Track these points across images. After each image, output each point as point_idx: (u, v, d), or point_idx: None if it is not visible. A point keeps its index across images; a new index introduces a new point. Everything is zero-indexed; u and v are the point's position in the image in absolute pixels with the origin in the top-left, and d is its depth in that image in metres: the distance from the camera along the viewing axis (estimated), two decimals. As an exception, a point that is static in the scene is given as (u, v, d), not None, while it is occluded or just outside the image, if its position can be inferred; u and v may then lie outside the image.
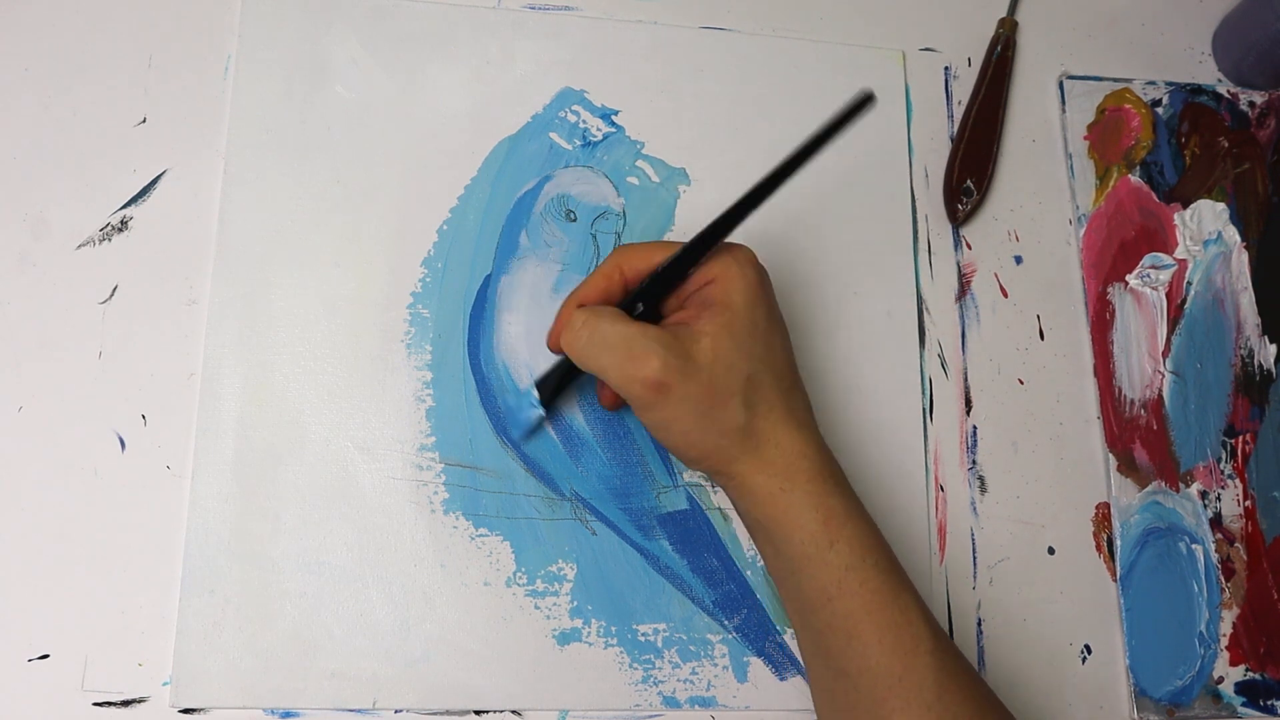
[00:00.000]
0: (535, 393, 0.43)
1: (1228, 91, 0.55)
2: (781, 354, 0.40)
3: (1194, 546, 0.49)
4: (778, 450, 0.38)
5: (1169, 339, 0.51)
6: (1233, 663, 0.47)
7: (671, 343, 0.38)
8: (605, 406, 0.45)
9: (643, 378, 0.37)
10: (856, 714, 0.38)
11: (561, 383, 0.42)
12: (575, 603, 0.44)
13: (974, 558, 0.47)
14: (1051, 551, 0.48)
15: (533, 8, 0.51)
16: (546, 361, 0.46)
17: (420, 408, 0.45)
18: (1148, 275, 0.52)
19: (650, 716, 0.44)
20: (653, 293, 0.40)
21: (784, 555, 0.39)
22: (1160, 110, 0.54)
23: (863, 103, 0.37)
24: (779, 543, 0.39)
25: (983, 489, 0.48)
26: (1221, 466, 0.50)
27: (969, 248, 0.51)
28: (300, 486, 0.44)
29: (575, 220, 0.48)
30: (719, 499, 0.46)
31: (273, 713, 0.42)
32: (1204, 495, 0.49)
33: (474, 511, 0.44)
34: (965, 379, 0.49)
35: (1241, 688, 0.47)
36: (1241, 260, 0.53)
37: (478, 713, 0.43)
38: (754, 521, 0.40)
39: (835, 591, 0.37)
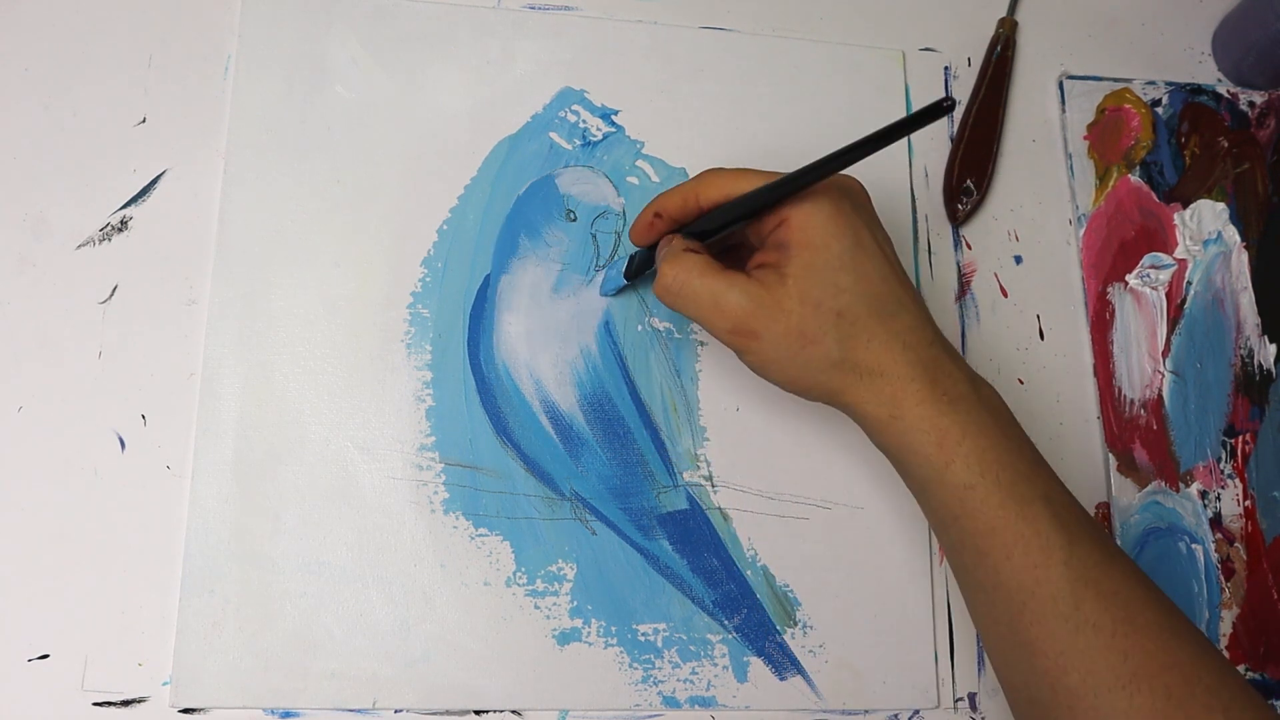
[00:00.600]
0: (621, 269, 0.45)
1: (1228, 91, 0.55)
2: (876, 278, 0.39)
3: (1194, 546, 0.49)
4: (883, 379, 0.38)
5: (1169, 339, 0.51)
6: (1233, 663, 0.47)
7: (755, 290, 0.38)
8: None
9: (731, 327, 0.38)
10: (998, 627, 0.37)
11: (643, 266, 0.45)
12: (575, 603, 0.44)
13: (974, 558, 0.47)
14: (1051, 551, 0.48)
15: (533, 8, 0.51)
16: (547, 361, 0.46)
17: (420, 408, 0.45)
18: (1148, 275, 0.52)
19: (650, 716, 0.44)
20: (723, 225, 0.40)
21: (909, 478, 0.39)
22: (1160, 110, 0.54)
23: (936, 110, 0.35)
24: (902, 466, 0.39)
25: (983, 489, 0.48)
26: (1221, 466, 0.50)
27: (969, 248, 0.51)
28: (300, 486, 0.44)
29: (575, 220, 0.48)
30: (719, 499, 0.46)
31: (273, 713, 0.42)
32: (1204, 495, 0.49)
33: (474, 511, 0.44)
34: (965, 379, 0.49)
35: (1241, 688, 0.47)
36: (1241, 260, 0.53)
37: (478, 713, 0.43)
38: (878, 445, 0.40)
39: (959, 510, 0.37)
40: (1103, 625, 0.35)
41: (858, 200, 0.40)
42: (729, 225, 0.40)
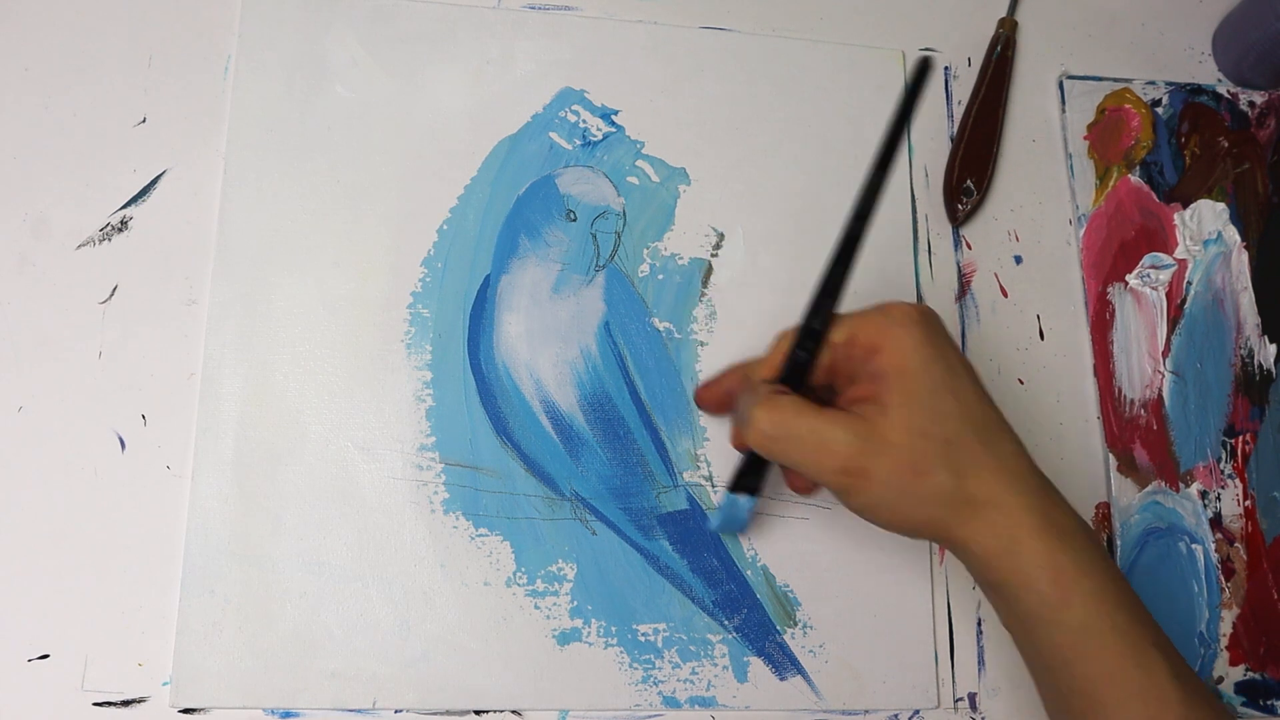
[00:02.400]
0: (738, 496, 0.42)
1: (1228, 91, 0.55)
2: (975, 403, 0.37)
3: (1194, 546, 0.49)
4: (997, 511, 0.36)
5: (1169, 339, 0.51)
6: (1233, 663, 0.47)
7: (858, 425, 0.36)
8: (799, 492, 0.44)
9: (838, 467, 0.36)
10: None
11: (758, 470, 0.42)
12: (575, 603, 0.44)
13: (974, 558, 0.47)
14: (1051, 551, 0.48)
15: (533, 8, 0.51)
16: (547, 361, 0.46)
17: (420, 408, 0.45)
18: (1148, 275, 0.52)
19: (650, 716, 0.44)
20: (806, 338, 0.39)
21: (1017, 615, 0.37)
22: (1160, 110, 0.54)
23: (922, 72, 0.34)
24: (1011, 602, 0.37)
25: (983, 489, 0.48)
26: (1221, 466, 0.50)
27: (969, 248, 0.51)
28: (300, 486, 0.44)
29: (575, 220, 0.48)
30: (719, 499, 0.46)
31: (273, 713, 0.42)
32: (1204, 495, 0.49)
33: (474, 511, 0.44)
34: (965, 379, 0.49)
35: (1241, 688, 0.47)
36: (1241, 260, 0.53)
37: (478, 713, 0.43)
38: (983, 582, 0.38)
39: (1072, 655, 0.35)
40: None
41: (939, 325, 0.39)
42: (815, 337, 0.38)
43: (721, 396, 0.44)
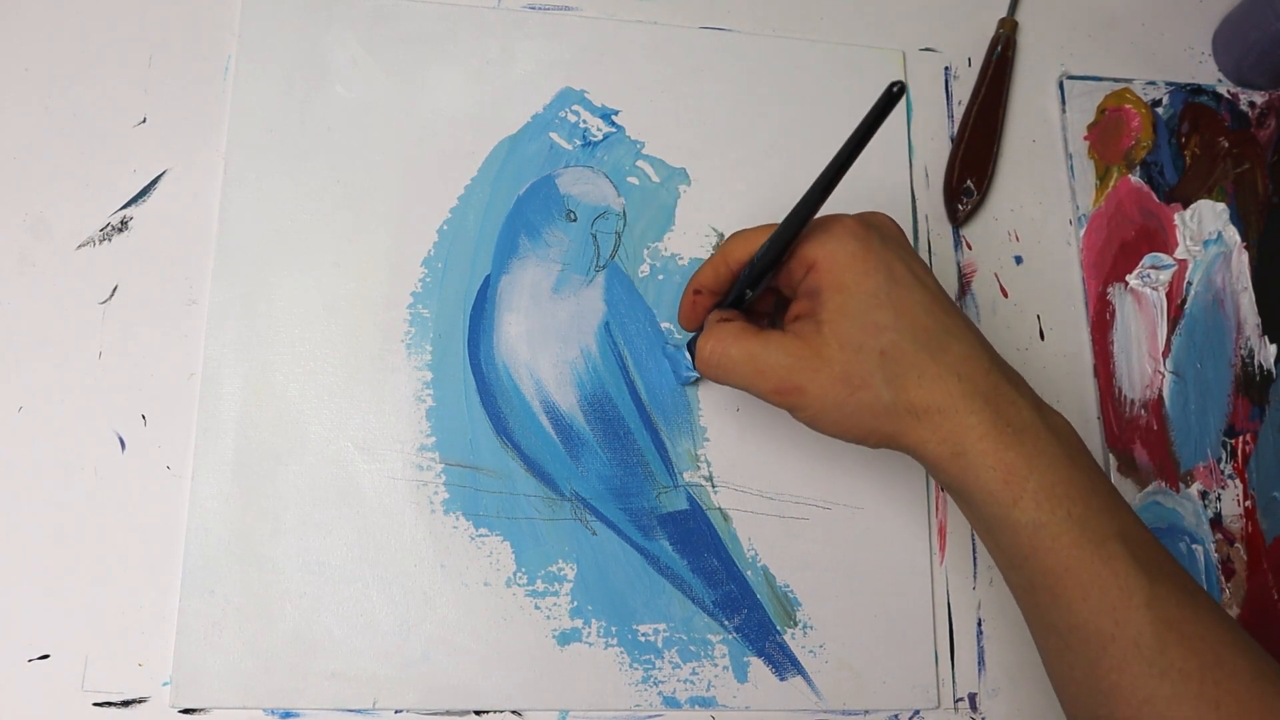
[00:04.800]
0: (688, 355, 0.45)
1: (1228, 91, 0.55)
2: (919, 310, 0.37)
3: (1194, 546, 0.49)
4: (941, 416, 0.36)
5: (1169, 339, 0.51)
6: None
7: (793, 344, 0.37)
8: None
9: (774, 387, 0.37)
10: (1074, 672, 0.35)
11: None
12: (575, 603, 0.44)
13: (974, 558, 0.47)
14: (1051, 551, 0.48)
15: (533, 8, 0.51)
16: (547, 361, 0.46)
17: (420, 408, 0.45)
18: (1148, 275, 0.52)
19: (650, 717, 0.44)
20: (752, 281, 0.40)
21: (975, 517, 0.37)
22: (1160, 110, 0.54)
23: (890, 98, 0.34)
24: (967, 505, 0.37)
25: (983, 489, 0.48)
26: (1221, 467, 0.50)
27: (969, 248, 0.51)
28: (300, 486, 0.44)
29: (575, 220, 0.48)
30: (719, 499, 0.46)
31: (273, 713, 0.42)
32: (1204, 495, 0.49)
33: (474, 511, 0.44)
34: (965, 379, 0.49)
35: (1241, 688, 0.47)
36: (1241, 260, 0.53)
37: (478, 713, 0.43)
38: (942, 486, 0.38)
39: (1029, 551, 0.35)
40: (1190, 671, 0.33)
41: (887, 234, 0.38)
42: (759, 281, 0.39)
43: (689, 308, 0.44)
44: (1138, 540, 0.35)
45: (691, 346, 0.44)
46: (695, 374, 0.45)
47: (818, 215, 0.37)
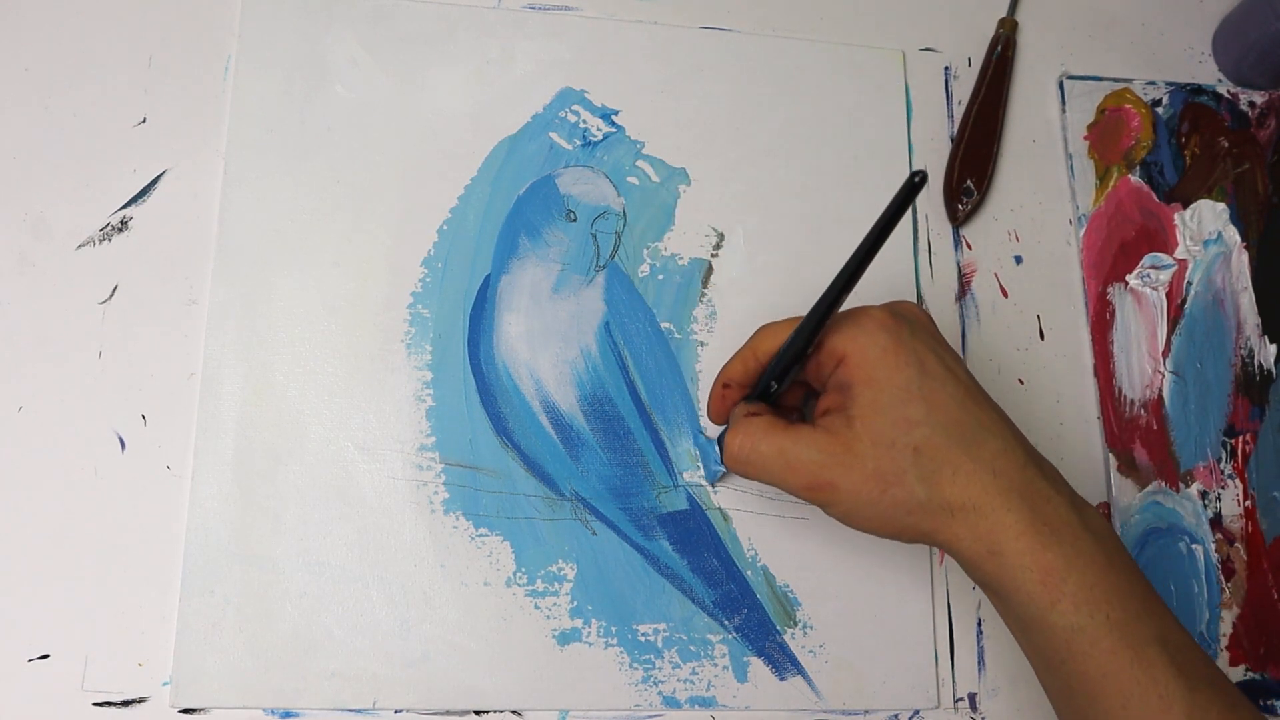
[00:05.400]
0: (718, 449, 0.43)
1: (1228, 91, 0.55)
2: (952, 405, 0.36)
3: (1194, 546, 0.49)
4: (977, 514, 0.35)
5: (1169, 339, 0.51)
6: (1233, 663, 0.47)
7: (823, 440, 0.36)
8: None
9: (805, 484, 0.36)
10: None
11: None
12: (575, 603, 0.44)
13: (974, 558, 0.47)
14: (1051, 551, 0.48)
15: (533, 8, 0.51)
16: (547, 361, 0.46)
17: (420, 408, 0.45)
18: (1148, 275, 0.52)
19: (650, 716, 0.44)
20: (779, 374, 0.39)
21: (1010, 616, 0.37)
22: (1160, 110, 0.54)
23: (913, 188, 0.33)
24: (1002, 603, 0.37)
25: (983, 489, 0.48)
26: (1221, 466, 0.50)
27: (969, 248, 0.51)
28: (300, 486, 0.44)
29: (575, 220, 0.48)
30: (719, 499, 0.46)
31: (273, 713, 0.42)
32: (1204, 495, 0.49)
33: (474, 511, 0.44)
34: (965, 379, 0.49)
35: (1241, 688, 0.47)
36: (1241, 260, 0.53)
37: (478, 713, 0.43)
38: (977, 582, 0.37)
39: (1066, 655, 0.34)
40: None
41: (917, 324, 0.38)
42: (786, 374, 0.39)
43: (719, 401, 0.43)
44: (1177, 645, 0.35)
45: (722, 440, 0.42)
46: (724, 468, 0.44)
47: (845, 308, 0.37)
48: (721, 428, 0.44)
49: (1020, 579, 0.35)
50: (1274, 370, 0.51)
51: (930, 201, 0.52)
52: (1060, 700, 0.37)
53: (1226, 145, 0.54)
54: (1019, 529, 0.35)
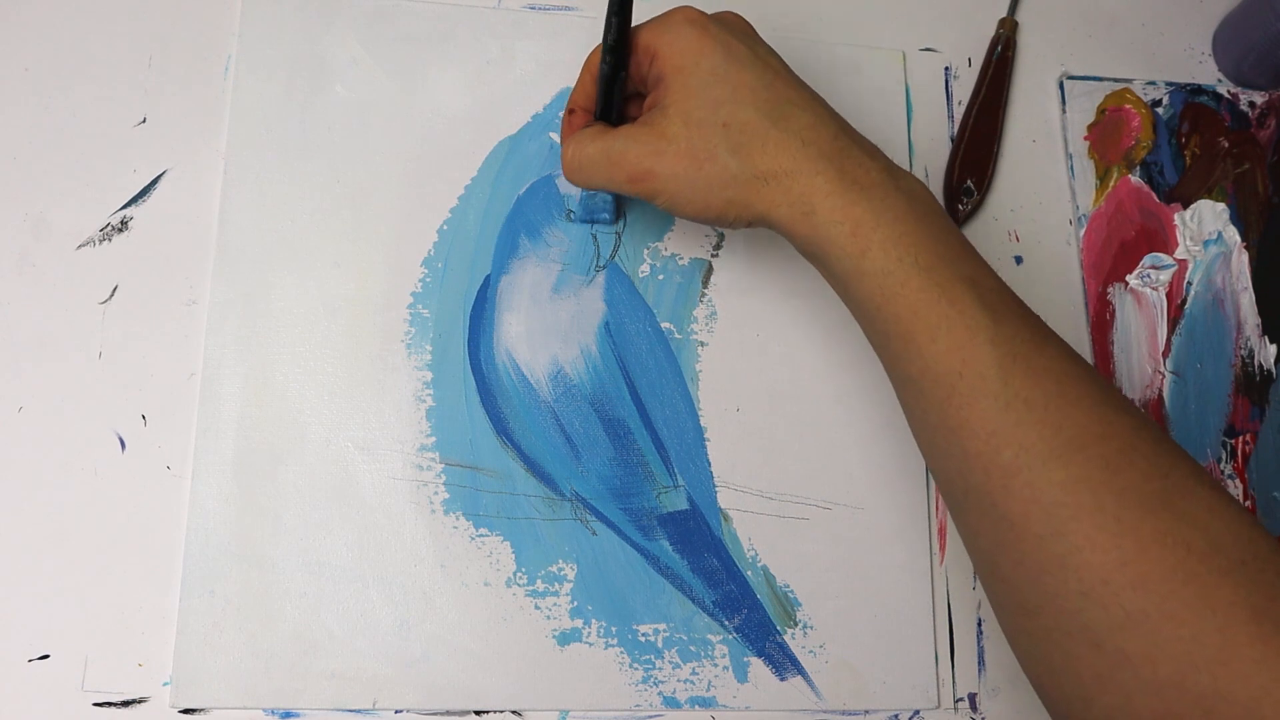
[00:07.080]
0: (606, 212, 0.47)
1: (1228, 91, 0.55)
2: (759, 85, 0.38)
3: (1194, 546, 0.48)
4: (789, 179, 0.37)
5: (1169, 339, 0.51)
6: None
7: (642, 132, 0.39)
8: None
9: (628, 176, 0.39)
10: (929, 417, 0.36)
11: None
12: (575, 603, 0.44)
13: (974, 558, 0.47)
14: (1051, 551, 0.48)
15: (533, 8, 0.51)
16: (547, 361, 0.46)
17: (420, 408, 0.45)
18: (1148, 275, 0.52)
19: (650, 717, 0.44)
20: (606, 84, 0.41)
21: (830, 275, 0.38)
22: (1160, 110, 0.54)
23: None
24: (822, 265, 0.38)
25: (983, 489, 0.48)
26: (1222, 467, 0.50)
27: (969, 248, 0.51)
28: (300, 486, 0.44)
29: (575, 220, 0.48)
30: (719, 499, 0.46)
31: (273, 713, 0.42)
32: (1204, 495, 0.49)
33: (474, 511, 0.44)
34: (965, 379, 0.49)
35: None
36: (1241, 260, 0.53)
37: (478, 713, 0.43)
38: (800, 251, 0.39)
39: (880, 299, 0.36)
40: (1034, 400, 0.34)
41: (727, 22, 0.40)
42: (613, 83, 0.40)
43: (567, 129, 0.45)
44: (986, 286, 0.36)
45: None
46: (579, 209, 0.46)
47: (662, 12, 0.39)
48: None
49: (833, 234, 0.37)
50: (1274, 370, 0.51)
51: (930, 201, 0.52)
52: (883, 352, 0.38)
53: (1226, 145, 0.54)
54: (829, 189, 0.37)
